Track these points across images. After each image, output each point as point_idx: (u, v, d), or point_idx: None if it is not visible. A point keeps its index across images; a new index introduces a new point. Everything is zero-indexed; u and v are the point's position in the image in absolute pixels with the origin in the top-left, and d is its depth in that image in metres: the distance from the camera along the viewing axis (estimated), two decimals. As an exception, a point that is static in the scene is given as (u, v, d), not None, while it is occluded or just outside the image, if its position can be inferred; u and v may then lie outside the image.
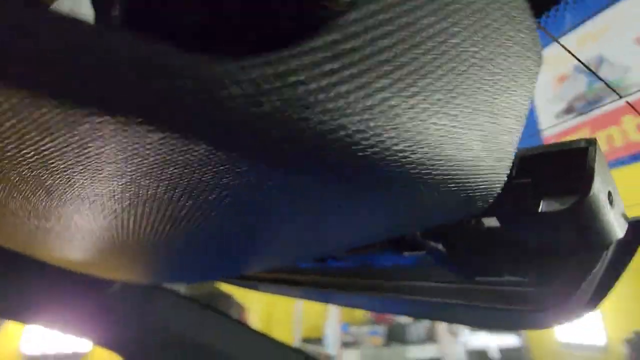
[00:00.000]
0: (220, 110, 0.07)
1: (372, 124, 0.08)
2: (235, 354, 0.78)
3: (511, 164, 0.15)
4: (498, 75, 0.13)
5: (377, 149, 0.08)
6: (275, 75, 0.06)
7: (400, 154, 0.09)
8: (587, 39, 2.66)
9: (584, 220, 0.15)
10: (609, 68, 2.55)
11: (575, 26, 2.65)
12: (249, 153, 0.08)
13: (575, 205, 0.14)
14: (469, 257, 0.19)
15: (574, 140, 0.17)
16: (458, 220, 0.18)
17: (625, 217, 0.16)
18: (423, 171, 0.10)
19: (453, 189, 0.12)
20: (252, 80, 0.06)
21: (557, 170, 0.16)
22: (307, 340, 2.69)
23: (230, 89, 0.06)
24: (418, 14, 0.08)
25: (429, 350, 2.72)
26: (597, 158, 0.15)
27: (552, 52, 2.86)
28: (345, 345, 2.52)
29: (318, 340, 2.47)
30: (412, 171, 0.10)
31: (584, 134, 2.62)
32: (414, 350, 2.60)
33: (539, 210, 0.15)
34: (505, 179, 0.14)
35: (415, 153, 0.09)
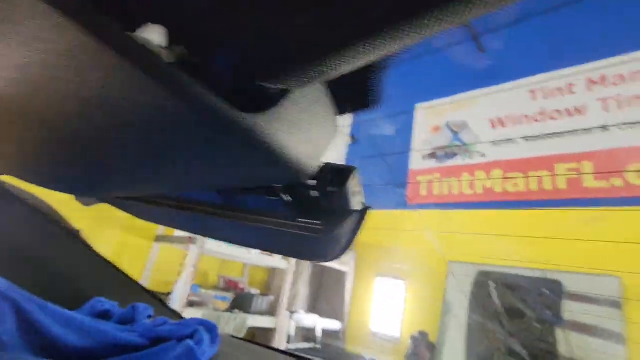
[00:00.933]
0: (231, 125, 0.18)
1: (277, 140, 0.21)
2: (75, 275, 0.78)
3: (319, 164, 0.23)
4: (318, 125, 0.29)
5: (274, 148, 0.21)
6: (257, 121, 0.19)
7: (277, 151, 0.22)
8: (460, 105, 3.35)
9: (343, 197, 0.26)
10: (467, 133, 3.26)
11: (455, 92, 3.30)
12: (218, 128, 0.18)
13: (341, 189, 0.26)
14: (298, 207, 0.29)
15: (347, 165, 0.28)
16: (299, 188, 0.28)
17: (362, 204, 0.29)
18: (287, 159, 0.19)
19: (288, 166, 0.22)
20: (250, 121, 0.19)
21: (341, 174, 0.26)
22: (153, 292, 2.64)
23: (243, 122, 0.18)
24: (303, 109, 0.22)
25: (267, 321, 3.03)
26: (353, 174, 0.26)
27: (435, 105, 3.49)
28: (190, 304, 2.62)
29: (165, 295, 2.49)
30: (276, 158, 0.19)
31: (436, 177, 3.28)
32: (253, 319, 2.86)
33: (328, 191, 0.27)
34: (316, 167, 0.23)
35: (281, 151, 0.22)
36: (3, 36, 0.13)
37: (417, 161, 3.41)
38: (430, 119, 3.45)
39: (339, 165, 0.27)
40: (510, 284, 2.76)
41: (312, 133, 0.22)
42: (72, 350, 0.50)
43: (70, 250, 0.84)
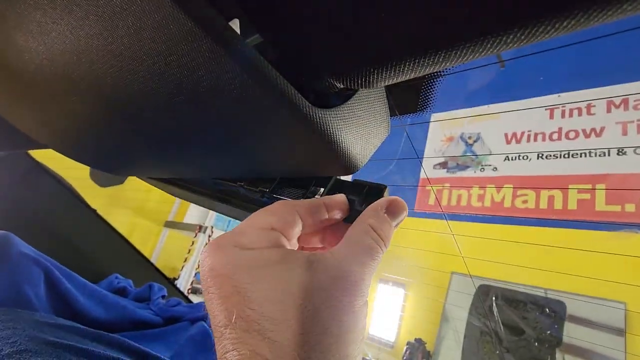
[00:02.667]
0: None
1: (339, 136, 0.21)
2: (94, 251, 0.82)
3: (366, 160, 0.24)
4: (374, 124, 0.28)
5: (335, 143, 0.21)
6: (330, 114, 0.20)
7: (337, 146, 0.21)
8: (476, 117, 3.34)
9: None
10: (481, 146, 3.25)
11: (473, 105, 3.29)
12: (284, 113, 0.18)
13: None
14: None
15: (380, 184, 0.27)
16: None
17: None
18: (344, 152, 0.20)
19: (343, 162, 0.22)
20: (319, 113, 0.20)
21: (373, 193, 0.25)
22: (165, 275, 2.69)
23: (313, 115, 0.19)
24: (366, 103, 0.23)
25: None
26: (385, 193, 0.25)
27: (452, 115, 3.48)
28: (194, 291, 2.66)
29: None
30: (335, 152, 0.20)
31: (446, 186, 3.28)
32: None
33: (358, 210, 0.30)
34: (365, 163, 0.24)
35: (340, 148, 0.23)
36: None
37: (427, 170, 3.41)
38: (445, 129, 3.45)
39: (370, 183, 0.28)
40: (512, 300, 2.75)
41: (368, 130, 0.22)
42: (94, 321, 0.53)
43: (92, 227, 0.88)
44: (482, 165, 3.18)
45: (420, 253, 3.21)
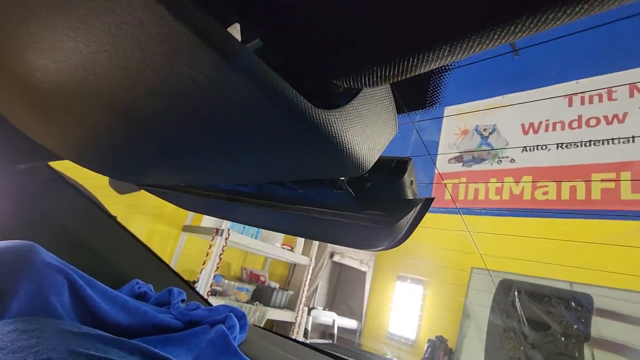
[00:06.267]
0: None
1: (345, 136, 0.21)
2: (115, 257, 0.83)
3: (376, 159, 0.24)
4: (381, 123, 0.28)
5: (341, 145, 0.22)
6: (332, 114, 0.20)
7: (344, 147, 0.21)
8: (491, 108, 3.26)
9: (401, 188, 0.27)
10: (497, 137, 3.18)
11: (487, 95, 3.22)
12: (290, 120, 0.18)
13: (399, 180, 0.27)
14: (362, 200, 0.30)
15: (403, 157, 0.28)
16: (360, 181, 0.29)
17: (415, 193, 0.29)
18: (351, 153, 0.20)
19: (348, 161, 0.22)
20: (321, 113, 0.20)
21: (398, 166, 0.27)
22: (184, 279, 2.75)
23: (317, 117, 0.19)
24: (372, 105, 0.23)
25: (286, 315, 3.09)
26: (409, 165, 0.26)
27: (465, 107, 3.42)
28: (213, 293, 2.70)
29: (190, 283, 2.59)
30: (342, 154, 0.19)
31: (462, 181, 3.22)
32: (272, 312, 2.92)
33: (387, 182, 0.28)
34: (373, 163, 0.24)
35: (347, 148, 0.23)
36: (107, 16, 0.14)
37: (442, 164, 3.36)
38: (459, 122, 3.39)
39: (394, 157, 0.27)
40: (535, 294, 2.68)
41: (375, 130, 0.22)
42: (116, 327, 0.54)
43: (112, 234, 0.90)
44: (499, 158, 3.11)
45: (438, 249, 3.17)
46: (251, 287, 2.99)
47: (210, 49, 0.13)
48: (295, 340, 0.92)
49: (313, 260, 3.33)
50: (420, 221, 0.29)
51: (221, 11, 0.18)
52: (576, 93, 2.88)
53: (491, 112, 3.28)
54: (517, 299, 2.72)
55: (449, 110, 3.52)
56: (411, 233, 0.29)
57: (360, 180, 0.28)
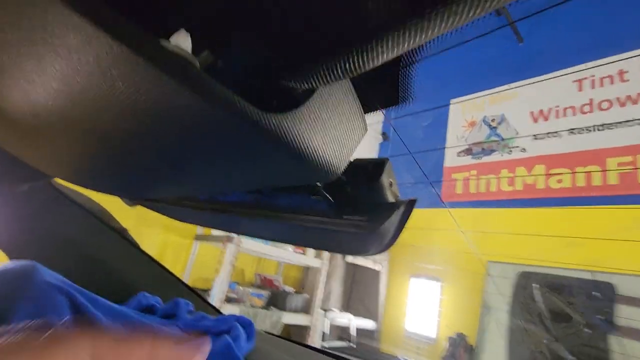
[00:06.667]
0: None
1: (303, 140, 0.21)
2: (122, 271, 0.84)
3: (347, 162, 0.23)
4: (345, 123, 0.27)
5: (300, 149, 0.21)
6: (283, 119, 0.19)
7: (303, 152, 0.22)
8: (498, 98, 3.20)
9: (379, 190, 0.26)
10: (506, 127, 3.12)
11: (493, 85, 3.16)
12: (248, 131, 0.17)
13: (376, 183, 0.26)
14: (341, 205, 0.29)
15: (380, 158, 0.27)
16: (337, 186, 0.28)
17: (397, 195, 0.28)
18: (315, 159, 0.19)
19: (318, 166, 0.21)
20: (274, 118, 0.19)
21: (375, 168, 0.26)
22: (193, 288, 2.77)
23: (268, 123, 0.19)
24: (325, 110, 0.22)
25: (302, 319, 3.08)
26: (386, 167, 0.25)
27: (471, 99, 3.36)
28: (228, 300, 2.71)
29: (204, 291, 2.60)
30: (302, 158, 0.19)
31: (472, 174, 3.17)
32: (288, 317, 2.92)
33: (363, 186, 0.27)
34: (344, 166, 0.23)
35: (307, 154, 0.23)
36: (39, 48, 0.14)
37: (451, 158, 3.31)
38: (466, 114, 3.33)
39: (370, 159, 0.27)
40: (555, 286, 2.60)
41: (339, 131, 0.22)
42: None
43: (118, 248, 0.90)
44: (509, 148, 3.05)
45: (452, 244, 3.11)
46: (266, 293, 2.99)
47: (135, 56, 0.12)
48: (308, 346, 0.91)
49: (326, 262, 3.32)
50: (405, 223, 0.27)
51: (159, 20, 0.17)
52: (586, 76, 2.80)
53: (498, 102, 3.22)
54: (536, 291, 2.65)
55: (454, 102, 3.47)
56: (398, 236, 0.28)
57: (339, 185, 0.27)
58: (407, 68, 0.22)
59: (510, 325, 2.70)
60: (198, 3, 0.17)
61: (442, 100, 3.49)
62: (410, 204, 0.27)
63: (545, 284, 2.64)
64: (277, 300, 3.02)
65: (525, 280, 2.73)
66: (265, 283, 3.27)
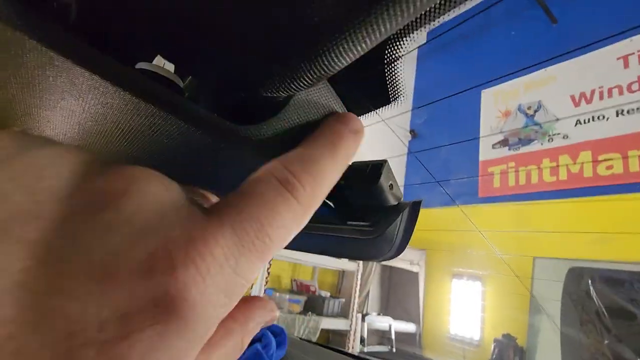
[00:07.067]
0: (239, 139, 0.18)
1: (284, 147, 0.19)
2: None
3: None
4: None
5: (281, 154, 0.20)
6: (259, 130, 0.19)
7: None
8: (533, 84, 3.02)
9: (379, 193, 0.24)
10: (544, 114, 2.94)
11: (525, 72, 2.98)
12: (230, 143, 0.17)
13: (373, 185, 0.24)
14: (343, 211, 0.28)
15: (378, 160, 0.25)
16: (338, 191, 0.29)
17: (399, 197, 0.27)
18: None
19: None
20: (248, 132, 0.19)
21: (372, 170, 0.24)
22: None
23: (246, 135, 0.18)
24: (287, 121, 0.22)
25: (340, 323, 3.05)
26: (384, 168, 0.24)
27: (504, 88, 3.20)
28: (266, 307, 2.75)
29: (242, 299, 2.65)
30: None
31: (510, 166, 3.00)
32: (326, 322, 2.90)
33: (362, 190, 0.25)
34: None
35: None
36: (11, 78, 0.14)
37: (486, 151, 3.16)
38: (499, 104, 3.17)
39: (369, 161, 0.25)
40: (612, 281, 2.40)
41: None
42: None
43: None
44: (549, 136, 2.86)
45: (494, 241, 2.96)
46: (302, 298, 3.00)
47: (134, 94, 0.12)
48: (340, 351, 0.89)
49: (361, 265, 3.28)
50: (414, 226, 0.26)
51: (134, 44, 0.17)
52: (632, 52, 2.58)
53: (535, 88, 3.04)
54: (591, 288, 2.45)
55: (486, 92, 3.32)
56: (409, 239, 0.26)
57: (338, 190, 0.26)
58: (392, 65, 0.21)
59: (563, 325, 2.52)
60: (166, 30, 0.16)
61: (473, 91, 3.34)
62: (415, 206, 0.26)
63: (600, 279, 2.43)
64: (314, 306, 3.02)
65: (577, 276, 2.54)
66: (301, 288, 3.28)
